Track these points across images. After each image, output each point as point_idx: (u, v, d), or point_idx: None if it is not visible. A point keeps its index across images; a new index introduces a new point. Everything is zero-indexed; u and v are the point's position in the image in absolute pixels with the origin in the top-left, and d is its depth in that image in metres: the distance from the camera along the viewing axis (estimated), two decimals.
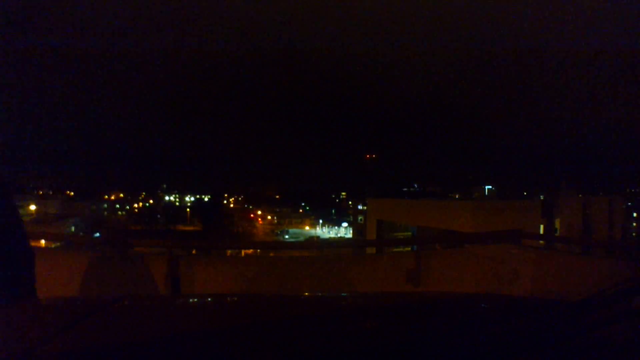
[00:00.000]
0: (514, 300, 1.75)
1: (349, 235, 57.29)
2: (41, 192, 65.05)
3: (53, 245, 6.30)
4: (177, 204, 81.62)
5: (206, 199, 79.62)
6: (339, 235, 65.65)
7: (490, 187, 51.03)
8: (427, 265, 3.71)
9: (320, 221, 72.02)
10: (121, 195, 76.04)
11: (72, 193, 72.68)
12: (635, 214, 47.02)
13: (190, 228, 61.65)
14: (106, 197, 73.26)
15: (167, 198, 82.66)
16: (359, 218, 44.15)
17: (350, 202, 66.65)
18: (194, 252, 5.42)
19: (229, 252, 5.57)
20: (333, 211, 75.43)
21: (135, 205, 74.89)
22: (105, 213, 66.76)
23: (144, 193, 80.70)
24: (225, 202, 78.47)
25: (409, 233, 24.26)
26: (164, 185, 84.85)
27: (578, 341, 0.93)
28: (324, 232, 69.06)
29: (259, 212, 76.01)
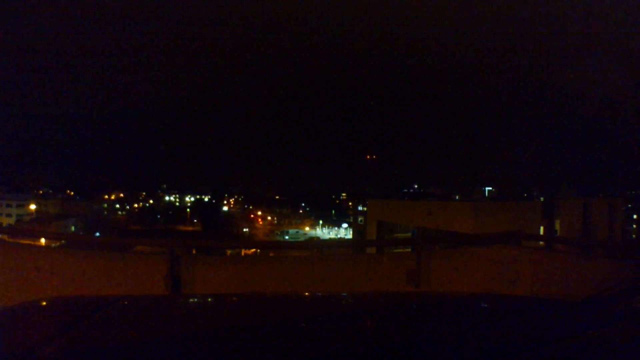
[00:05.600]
0: (514, 300, 1.75)
1: (349, 236, 57.21)
2: (41, 192, 65.00)
3: (53, 245, 6.30)
4: (177, 204, 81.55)
5: (206, 199, 79.55)
6: (339, 236, 65.58)
7: (490, 188, 50.94)
8: (428, 266, 3.70)
9: (321, 222, 71.97)
10: (121, 195, 75.94)
11: (72, 193, 72.59)
12: (635, 216, 46.99)
13: (190, 228, 61.61)
14: (106, 197, 73.15)
15: (167, 198, 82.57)
16: (359, 219, 44.11)
17: (350, 203, 66.53)
18: (194, 252, 5.42)
19: (229, 252, 5.56)
20: (333, 212, 75.35)
21: (135, 205, 74.84)
22: (105, 213, 66.74)
23: (144, 193, 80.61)
24: (225, 202, 78.44)
25: (409, 234, 24.23)
26: (164, 185, 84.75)
27: (578, 341, 0.93)
28: (324, 232, 69.02)
29: (259, 213, 75.99)
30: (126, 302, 1.43)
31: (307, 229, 71.07)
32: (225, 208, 73.20)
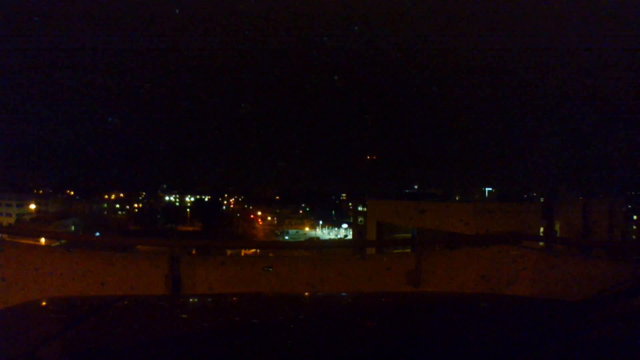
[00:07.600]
0: (514, 300, 1.76)
1: (349, 236, 57.22)
2: (41, 192, 65.01)
3: (53, 245, 6.30)
4: (177, 204, 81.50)
5: (206, 199, 79.49)
6: (339, 236, 65.59)
7: (490, 189, 50.96)
8: (428, 267, 3.70)
9: (320, 222, 71.92)
10: (121, 195, 75.89)
11: (72, 193, 72.54)
12: (635, 217, 46.94)
13: (190, 228, 61.59)
14: (106, 197, 73.11)
15: (167, 198, 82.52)
16: (359, 219, 44.09)
17: (350, 204, 66.51)
18: (194, 252, 5.42)
19: (229, 252, 5.57)
20: (333, 212, 75.27)
21: (135, 205, 74.81)
22: (105, 213, 66.76)
23: (144, 193, 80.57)
24: (225, 202, 78.43)
25: (409, 234, 24.23)
26: (164, 185, 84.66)
27: (578, 341, 0.93)
28: (324, 233, 69.02)
29: (259, 213, 75.96)
30: (126, 302, 1.43)
31: (307, 229, 71.02)
32: (225, 208, 73.13)
